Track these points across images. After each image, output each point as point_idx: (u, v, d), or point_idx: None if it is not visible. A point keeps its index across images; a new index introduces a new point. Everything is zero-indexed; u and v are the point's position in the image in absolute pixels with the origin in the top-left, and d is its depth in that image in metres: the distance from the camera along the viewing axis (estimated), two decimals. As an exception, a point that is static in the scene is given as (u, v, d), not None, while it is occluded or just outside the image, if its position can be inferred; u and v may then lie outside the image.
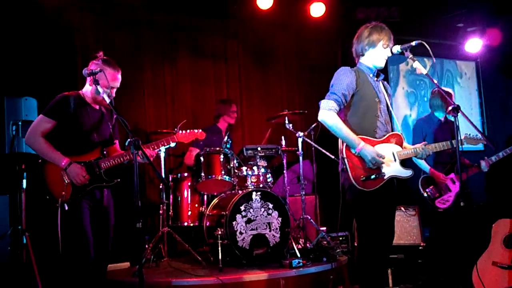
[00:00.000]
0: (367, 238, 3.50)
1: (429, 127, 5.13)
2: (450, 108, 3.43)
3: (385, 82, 3.74)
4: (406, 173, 3.51)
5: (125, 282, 4.49)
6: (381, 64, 3.59)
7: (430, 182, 4.95)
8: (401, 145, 3.53)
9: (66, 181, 3.50)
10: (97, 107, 3.76)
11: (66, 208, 3.43)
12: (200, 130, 4.32)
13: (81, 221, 3.50)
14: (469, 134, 4.03)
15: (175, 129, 4.20)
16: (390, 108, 3.64)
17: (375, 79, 3.61)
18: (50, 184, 3.52)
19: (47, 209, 3.51)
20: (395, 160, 3.48)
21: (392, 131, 3.60)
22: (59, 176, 3.51)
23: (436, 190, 4.90)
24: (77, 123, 3.59)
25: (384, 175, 3.39)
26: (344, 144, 3.42)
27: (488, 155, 5.12)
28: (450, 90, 5.24)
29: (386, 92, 3.67)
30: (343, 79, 3.49)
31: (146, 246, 5.12)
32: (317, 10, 6.69)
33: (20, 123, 4.28)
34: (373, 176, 3.36)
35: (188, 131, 4.20)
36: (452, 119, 3.60)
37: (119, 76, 3.70)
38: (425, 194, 4.94)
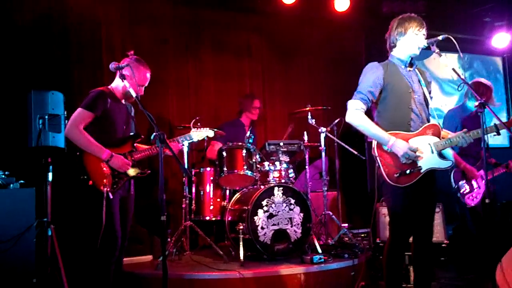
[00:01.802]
0: (398, 235, 3.48)
1: (460, 118, 5.02)
2: (477, 103, 3.37)
3: (424, 70, 3.68)
4: (446, 164, 3.44)
5: (148, 275, 4.53)
6: (415, 51, 3.50)
7: (461, 176, 4.88)
8: (438, 135, 3.46)
9: (107, 172, 3.65)
10: (124, 102, 3.92)
11: (111, 197, 3.59)
12: (208, 128, 4.52)
13: (113, 212, 3.66)
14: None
15: (193, 126, 4.47)
16: (428, 97, 3.56)
17: (408, 69, 3.56)
18: (91, 174, 3.65)
19: (77, 201, 3.63)
20: (432, 151, 3.43)
21: (428, 121, 3.55)
22: (99, 167, 3.67)
23: (468, 185, 4.84)
24: (112, 118, 3.77)
25: (421, 169, 3.35)
26: (376, 142, 3.41)
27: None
28: (489, 84, 5.06)
29: (425, 80, 3.61)
30: (369, 76, 3.48)
31: (169, 239, 5.17)
32: (341, 4, 6.65)
33: (46, 116, 4.32)
34: (408, 171, 3.32)
35: (200, 129, 4.45)
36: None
37: (149, 75, 3.88)
38: (456, 188, 4.86)
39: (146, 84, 3.88)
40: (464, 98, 5.17)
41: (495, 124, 3.52)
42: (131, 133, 3.96)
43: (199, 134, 4.43)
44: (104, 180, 3.61)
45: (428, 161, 3.40)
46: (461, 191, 4.84)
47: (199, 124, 4.68)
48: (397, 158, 3.35)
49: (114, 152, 3.71)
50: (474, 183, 4.84)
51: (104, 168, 3.65)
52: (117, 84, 3.85)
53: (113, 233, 3.64)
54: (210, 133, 4.54)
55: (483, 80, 5.12)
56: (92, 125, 3.73)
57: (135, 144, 3.89)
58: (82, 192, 3.68)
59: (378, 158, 3.38)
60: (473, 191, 4.82)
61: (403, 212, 3.43)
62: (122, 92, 3.84)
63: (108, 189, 3.59)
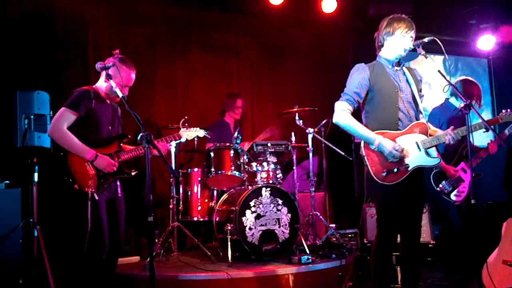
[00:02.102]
0: (385, 234, 3.50)
1: (445, 116, 5.04)
2: (462, 105, 3.40)
3: (414, 69, 3.72)
4: (433, 161, 3.48)
5: (135, 276, 4.50)
6: (401, 52, 3.53)
7: (441, 177, 4.90)
8: (426, 133, 3.49)
9: (91, 173, 3.57)
10: (109, 102, 3.86)
11: (97, 197, 3.51)
12: (198, 128, 4.52)
13: (100, 213, 3.58)
14: (507, 111, 3.96)
15: (182, 126, 4.39)
16: (416, 96, 3.58)
17: (396, 68, 3.60)
18: (76, 175, 3.57)
19: (63, 202, 3.60)
20: (419, 149, 3.46)
21: (417, 120, 3.58)
22: (83, 167, 3.58)
23: (450, 183, 4.86)
24: (97, 117, 3.69)
25: (408, 167, 3.39)
26: (363, 142, 3.45)
27: (498, 152, 5.07)
28: (475, 81, 5.08)
29: (415, 78, 3.63)
30: (355, 78, 3.53)
31: (156, 240, 5.15)
32: (329, 5, 6.66)
33: (32, 116, 4.30)
34: (395, 170, 3.36)
35: (190, 129, 4.43)
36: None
37: (133, 75, 3.81)
38: (439, 190, 4.89)
39: (131, 84, 3.82)
40: (451, 95, 5.16)
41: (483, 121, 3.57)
42: (118, 133, 3.90)
43: (189, 134, 4.41)
44: (89, 182, 3.53)
45: (415, 159, 3.43)
46: (445, 191, 4.86)
47: (187, 124, 4.67)
48: (384, 157, 3.38)
49: (100, 153, 3.63)
50: (455, 179, 4.85)
51: (89, 169, 3.57)
52: (101, 83, 3.79)
53: (100, 236, 3.55)
54: (200, 133, 4.53)
55: (471, 78, 5.14)
56: (76, 125, 3.63)
57: (121, 145, 3.83)
58: (67, 193, 3.59)
59: (365, 158, 3.42)
60: (457, 187, 4.84)
61: (391, 211, 3.45)
62: (106, 92, 3.77)
63: (93, 190, 3.51)
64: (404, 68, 3.64)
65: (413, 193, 3.52)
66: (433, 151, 3.51)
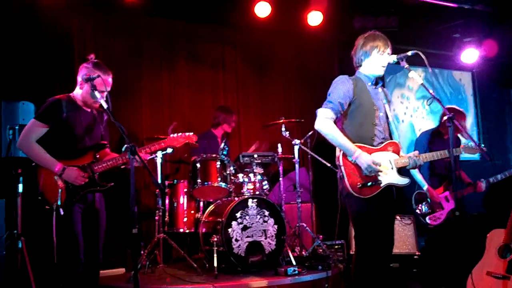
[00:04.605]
0: (364, 246, 3.51)
1: (429, 138, 5.09)
2: (445, 118, 3.44)
3: (385, 89, 3.77)
4: (403, 181, 3.52)
5: (120, 288, 4.48)
6: (379, 72, 3.60)
7: (423, 198, 4.95)
8: (398, 153, 3.55)
9: (60, 186, 3.46)
10: (89, 110, 3.72)
11: (62, 212, 3.39)
12: (191, 133, 4.30)
13: (73, 226, 3.48)
14: (468, 143, 4.03)
15: (171, 133, 4.26)
16: (389, 116, 3.65)
17: (374, 87, 3.64)
18: (44, 188, 3.48)
19: (42, 214, 3.49)
20: (392, 168, 3.50)
21: (391, 139, 3.62)
22: (52, 180, 3.47)
23: (429, 206, 4.91)
24: (70, 128, 3.56)
25: (381, 183, 3.42)
26: (341, 152, 3.45)
27: (484, 166, 5.13)
28: (463, 110, 5.13)
29: (386, 99, 3.69)
30: (340, 88, 3.53)
31: (142, 252, 5.12)
32: (315, 18, 6.71)
33: (17, 127, 4.28)
34: (369, 183, 3.38)
35: (179, 134, 4.21)
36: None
37: (110, 80, 3.66)
38: (417, 210, 4.95)
39: (108, 89, 3.64)
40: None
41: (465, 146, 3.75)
42: (95, 143, 3.72)
43: (178, 139, 4.16)
44: (57, 195, 3.41)
45: (388, 176, 3.47)
46: (421, 212, 4.91)
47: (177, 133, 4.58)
48: (360, 169, 3.41)
49: (73, 164, 3.52)
50: (435, 203, 4.89)
51: (58, 182, 3.46)
52: (78, 91, 3.67)
53: (73, 249, 3.45)
54: (191, 137, 4.29)
55: (456, 107, 5.20)
56: (48, 136, 3.53)
57: (97, 155, 3.68)
58: (36, 207, 3.51)
59: (342, 167, 3.43)
60: (434, 211, 4.89)
61: (369, 225, 3.47)
62: (83, 99, 3.64)
63: (60, 204, 3.40)
64: (379, 88, 3.69)
65: (385, 209, 3.54)
66: (404, 171, 3.55)
